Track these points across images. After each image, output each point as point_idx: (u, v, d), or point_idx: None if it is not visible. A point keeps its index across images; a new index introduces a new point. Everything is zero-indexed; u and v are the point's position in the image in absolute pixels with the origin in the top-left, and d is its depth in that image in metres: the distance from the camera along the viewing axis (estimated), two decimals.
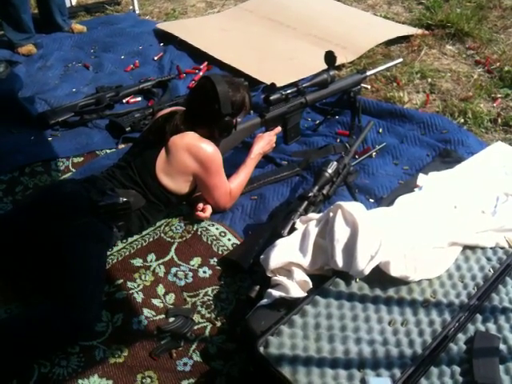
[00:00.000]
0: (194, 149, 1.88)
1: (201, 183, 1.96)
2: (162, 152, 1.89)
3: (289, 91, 2.23)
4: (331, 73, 2.32)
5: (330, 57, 2.26)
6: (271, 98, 2.19)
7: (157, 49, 3.47)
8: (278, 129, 2.25)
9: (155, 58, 3.35)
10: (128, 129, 2.57)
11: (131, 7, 4.13)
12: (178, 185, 1.92)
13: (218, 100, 1.86)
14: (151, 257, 1.88)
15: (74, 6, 4.15)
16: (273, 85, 2.21)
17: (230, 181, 2.03)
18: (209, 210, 2.02)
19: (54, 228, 1.69)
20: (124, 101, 2.87)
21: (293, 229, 1.79)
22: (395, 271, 1.58)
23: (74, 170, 2.35)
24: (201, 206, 2.02)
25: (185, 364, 1.54)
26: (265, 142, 2.17)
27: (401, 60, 2.87)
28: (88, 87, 3.00)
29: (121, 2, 4.28)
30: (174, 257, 1.89)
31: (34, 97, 2.86)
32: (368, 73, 2.56)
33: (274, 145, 2.23)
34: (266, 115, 2.20)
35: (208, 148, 1.90)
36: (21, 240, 1.71)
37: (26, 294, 1.73)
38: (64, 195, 1.80)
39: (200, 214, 2.01)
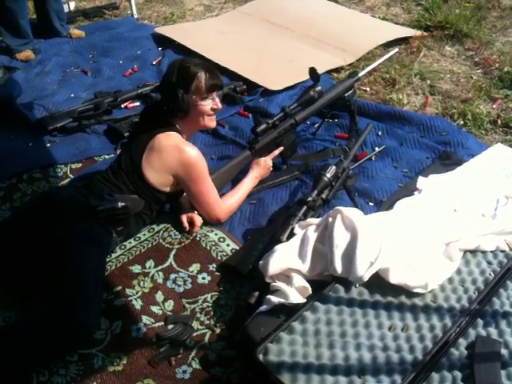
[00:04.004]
0: (175, 150, 1.87)
1: (186, 189, 1.94)
2: (147, 148, 1.88)
3: (275, 118, 2.22)
4: (317, 88, 2.30)
5: (313, 73, 2.25)
6: (258, 130, 2.18)
7: (155, 53, 3.47)
8: (274, 153, 2.24)
9: (154, 63, 3.34)
10: (126, 134, 2.55)
11: (129, 12, 4.12)
12: (162, 181, 1.90)
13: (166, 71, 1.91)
14: (150, 263, 1.87)
15: (72, 11, 4.14)
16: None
17: (223, 199, 2.01)
18: (198, 221, 1.99)
19: (53, 233, 1.69)
20: (122, 106, 2.87)
21: (292, 234, 1.78)
22: (394, 278, 1.57)
23: (72, 177, 2.35)
24: (184, 219, 2.00)
25: (184, 371, 1.53)
26: (261, 167, 2.17)
27: (396, 50, 2.87)
28: (86, 92, 2.99)
29: (119, 7, 4.28)
30: (173, 263, 1.88)
31: (33, 103, 2.85)
32: (360, 74, 2.55)
33: (271, 168, 2.23)
34: (255, 146, 2.20)
35: (191, 152, 1.88)
36: (20, 245, 1.71)
37: (25, 300, 1.72)
38: (62, 201, 1.80)
39: (187, 227, 1.99)
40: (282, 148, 2.27)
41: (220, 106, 1.99)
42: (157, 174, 1.89)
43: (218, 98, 1.98)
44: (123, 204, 1.82)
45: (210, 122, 2.01)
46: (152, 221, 2.01)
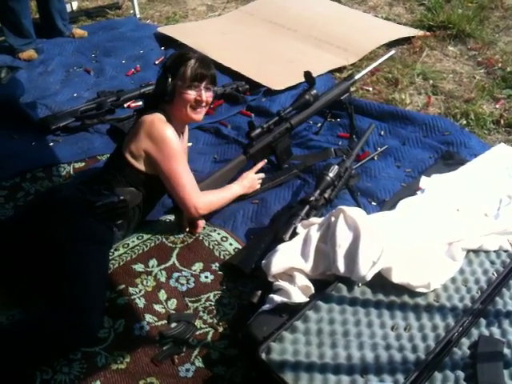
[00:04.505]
0: (149, 124, 1.83)
1: (160, 172, 1.86)
2: (132, 129, 1.89)
3: (270, 122, 2.22)
4: (313, 92, 2.29)
5: (308, 76, 2.25)
6: (252, 134, 2.17)
7: (158, 53, 3.47)
8: (257, 166, 2.20)
9: (156, 62, 3.34)
10: None
11: (132, 11, 4.13)
12: (134, 157, 1.86)
13: None
14: (153, 262, 1.87)
15: (74, 11, 4.16)
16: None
17: (204, 193, 1.96)
18: (201, 222, 1.99)
19: (53, 233, 1.69)
20: (125, 105, 2.87)
21: (294, 233, 1.78)
22: (397, 278, 1.57)
23: (75, 176, 2.35)
24: (186, 222, 2.00)
25: (187, 370, 1.53)
26: (247, 182, 2.13)
27: (393, 52, 2.87)
28: (89, 92, 3.00)
29: (121, 7, 4.29)
30: (176, 262, 1.88)
31: (36, 102, 2.86)
32: (356, 77, 2.54)
33: (258, 186, 2.18)
34: (249, 151, 2.20)
35: (165, 129, 1.83)
36: (21, 245, 1.71)
37: (28, 299, 1.72)
38: (61, 200, 1.80)
39: (186, 228, 1.98)
40: (265, 161, 2.25)
41: (204, 98, 1.88)
42: (130, 149, 1.85)
43: (208, 91, 1.90)
44: (121, 198, 1.82)
45: (194, 115, 1.91)
46: (146, 206, 1.96)
